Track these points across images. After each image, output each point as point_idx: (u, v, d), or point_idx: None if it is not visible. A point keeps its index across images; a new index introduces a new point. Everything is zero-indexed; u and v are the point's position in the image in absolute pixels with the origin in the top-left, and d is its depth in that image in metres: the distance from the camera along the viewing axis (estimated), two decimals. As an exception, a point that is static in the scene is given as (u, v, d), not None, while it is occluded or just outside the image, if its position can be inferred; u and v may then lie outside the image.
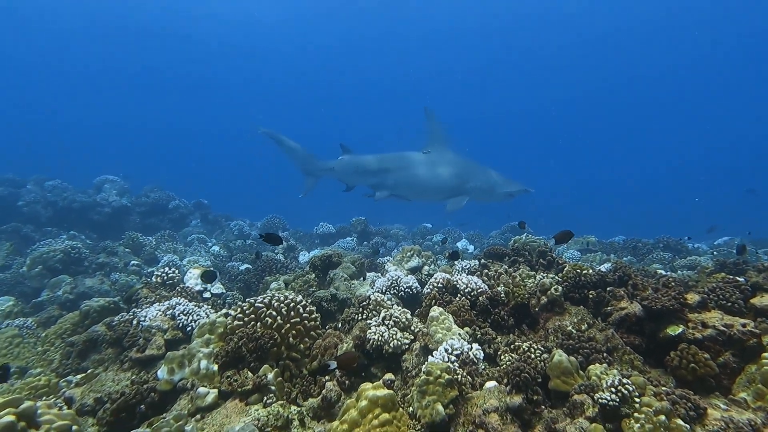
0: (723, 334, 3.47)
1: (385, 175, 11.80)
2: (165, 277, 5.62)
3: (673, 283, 3.93)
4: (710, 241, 14.26)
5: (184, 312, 4.24)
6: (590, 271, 4.50)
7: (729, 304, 3.70)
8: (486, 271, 5.57)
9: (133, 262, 8.53)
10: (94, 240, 11.23)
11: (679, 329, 3.56)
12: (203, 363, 3.44)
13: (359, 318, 4.30)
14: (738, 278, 4.08)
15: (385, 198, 11.99)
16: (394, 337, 3.96)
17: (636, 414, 2.73)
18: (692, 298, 3.82)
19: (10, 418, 2.18)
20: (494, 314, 4.39)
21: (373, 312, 4.34)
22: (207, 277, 5.64)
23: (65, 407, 3.49)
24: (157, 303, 4.57)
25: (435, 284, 4.74)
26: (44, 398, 3.67)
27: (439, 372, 3.02)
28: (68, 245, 8.31)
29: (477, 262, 6.23)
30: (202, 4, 51.48)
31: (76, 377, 4.23)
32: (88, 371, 4.30)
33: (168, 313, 4.25)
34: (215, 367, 3.42)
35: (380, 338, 3.90)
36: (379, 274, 6.29)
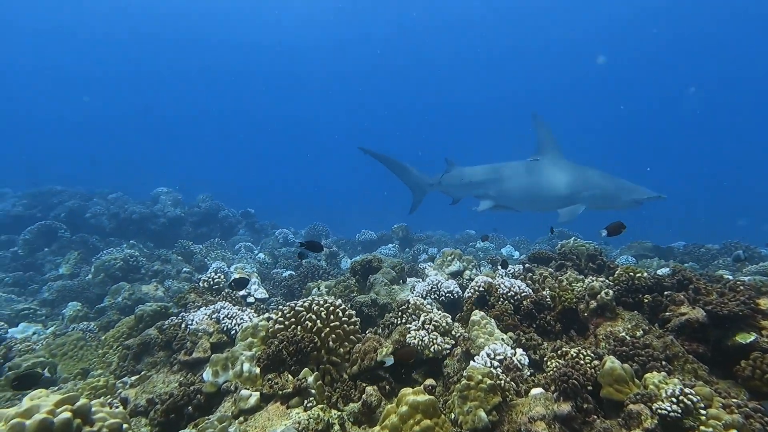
0: (804, 342, 3.11)
1: (491, 186, 11.68)
2: (212, 282, 5.88)
3: (741, 288, 3.58)
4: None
5: (228, 316, 4.38)
6: (644, 274, 4.21)
7: (810, 309, 3.32)
8: (530, 275, 5.35)
9: (184, 269, 8.99)
10: (151, 249, 11.97)
11: (752, 337, 3.23)
12: (246, 366, 3.53)
13: (399, 322, 4.25)
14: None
15: (490, 209, 11.80)
16: (434, 341, 3.89)
17: (702, 427, 2.50)
18: (765, 303, 3.46)
19: (68, 414, 2.32)
20: (539, 319, 4.20)
21: (413, 316, 4.28)
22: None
23: (120, 407, 3.69)
24: (204, 307, 4.76)
25: (477, 288, 4.60)
26: (101, 398, 3.91)
27: (480, 377, 2.91)
28: (127, 254, 8.90)
29: (521, 266, 6.01)
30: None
31: (131, 378, 4.48)
32: (142, 373, 4.54)
33: (213, 316, 4.41)
34: (257, 370, 3.49)
35: (420, 342, 3.84)
36: (420, 279, 6.23)
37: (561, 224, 11.69)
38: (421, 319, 4.10)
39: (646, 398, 2.80)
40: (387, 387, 3.63)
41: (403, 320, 4.25)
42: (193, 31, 54.01)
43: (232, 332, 4.26)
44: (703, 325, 3.51)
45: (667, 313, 3.83)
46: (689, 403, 2.59)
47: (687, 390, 2.65)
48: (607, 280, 4.31)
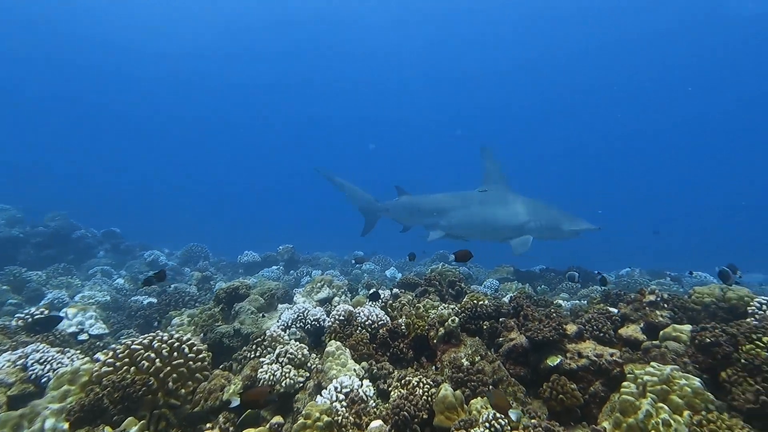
0: (594, 364, 3.72)
1: (441, 215, 11.78)
2: (28, 320, 4.94)
3: (554, 314, 4.18)
4: (617, 270, 15.51)
5: (41, 360, 3.72)
6: (486, 301, 4.68)
7: (601, 334, 4.00)
8: (391, 302, 5.59)
9: (10, 300, 7.50)
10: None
11: (558, 360, 3.76)
12: (49, 422, 3.01)
13: (252, 356, 4.08)
14: (610, 309, 4.43)
15: (440, 238, 11.85)
16: (287, 375, 3.80)
17: (505, 448, 2.81)
18: (571, 328, 4.09)
19: None
20: (393, 347, 4.38)
21: (269, 348, 4.15)
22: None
23: None
24: (10, 351, 4.00)
25: (337, 317, 4.66)
26: None
27: (318, 414, 2.91)
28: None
29: (389, 292, 6.25)
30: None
31: None
32: None
33: (19, 362, 3.71)
34: (65, 426, 3.01)
35: (272, 377, 3.72)
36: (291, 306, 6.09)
37: (515, 256, 11.49)
38: (277, 351, 4.00)
39: (468, 424, 3.06)
40: (231, 429, 3.44)
41: (257, 353, 4.09)
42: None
43: (44, 380, 3.63)
44: (526, 349, 4.00)
45: (500, 339, 4.30)
46: (498, 426, 2.91)
47: (499, 414, 2.97)
48: (455, 308, 4.69)
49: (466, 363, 4.09)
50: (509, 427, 2.96)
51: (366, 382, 3.60)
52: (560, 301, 6.74)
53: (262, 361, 3.88)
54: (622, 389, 3.26)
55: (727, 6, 37.03)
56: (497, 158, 12.05)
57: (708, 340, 3.35)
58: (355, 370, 3.87)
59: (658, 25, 40.56)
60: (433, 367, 4.26)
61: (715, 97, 49.99)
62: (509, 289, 10.53)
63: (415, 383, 3.59)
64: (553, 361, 3.77)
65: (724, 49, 42.91)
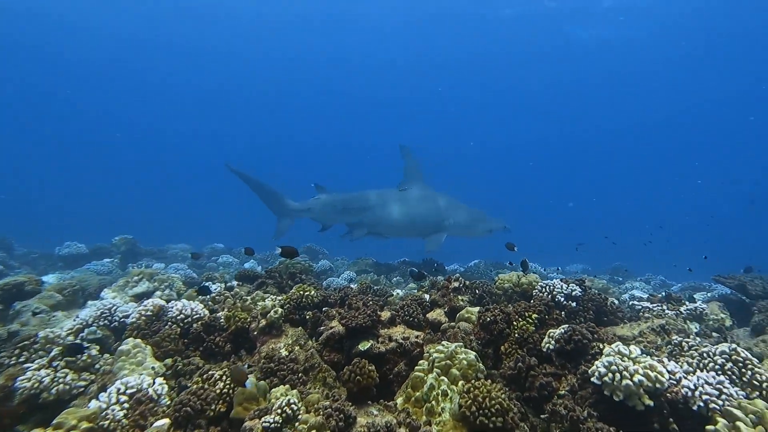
0: (401, 346, 4.00)
1: (363, 213, 11.72)
2: None
3: (371, 302, 4.40)
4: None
5: None
6: (313, 292, 4.69)
7: (412, 319, 4.33)
8: (225, 295, 5.27)
9: None
10: None
11: (368, 344, 3.95)
12: None
13: (11, 362, 3.39)
14: (425, 296, 4.85)
15: (363, 236, 11.79)
16: (60, 380, 3.24)
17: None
18: (385, 315, 4.34)
19: None
20: (208, 341, 4.10)
21: (41, 352, 3.50)
22: None
23: None
24: None
25: (143, 312, 4.17)
26: None
27: (74, 421, 2.52)
28: None
29: (223, 285, 5.89)
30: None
31: None
32: None
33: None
34: None
35: (36, 386, 3.13)
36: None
37: (428, 252, 11.77)
38: (52, 354, 3.39)
39: (263, 412, 2.99)
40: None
41: (21, 359, 3.41)
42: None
43: None
44: (342, 336, 4.11)
45: (321, 327, 4.34)
46: (290, 412, 2.90)
47: (292, 400, 2.96)
48: (280, 299, 4.60)
49: (284, 353, 4.04)
50: (302, 411, 2.98)
51: (159, 380, 3.26)
52: (398, 291, 7.17)
53: (28, 367, 3.24)
54: (416, 367, 3.57)
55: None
56: (416, 157, 12.31)
57: (488, 319, 3.86)
58: (153, 368, 3.50)
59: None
60: (253, 359, 4.11)
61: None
62: (364, 281, 10.92)
63: (218, 377, 3.39)
64: (364, 345, 3.94)
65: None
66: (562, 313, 4.65)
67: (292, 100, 61.93)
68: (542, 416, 3.23)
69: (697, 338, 4.10)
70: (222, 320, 4.28)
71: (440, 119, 63.53)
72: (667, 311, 5.35)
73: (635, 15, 37.47)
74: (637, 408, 3.00)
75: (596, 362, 3.22)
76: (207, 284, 5.96)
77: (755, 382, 3.27)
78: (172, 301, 4.42)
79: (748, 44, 36.96)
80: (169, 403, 3.22)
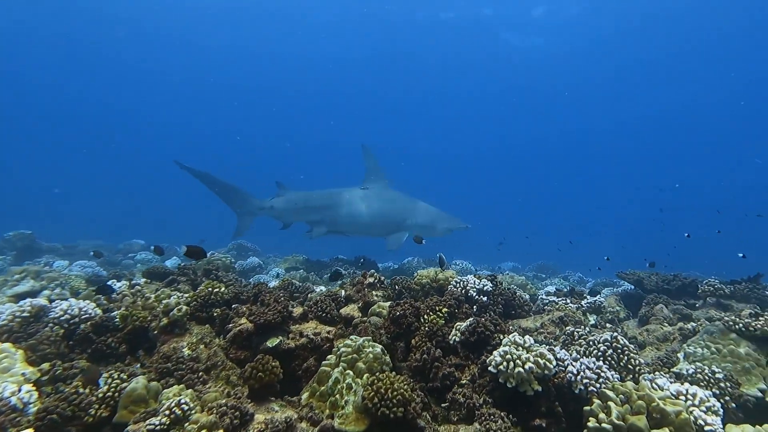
0: (312, 342, 3.94)
1: (324, 212, 11.67)
2: None
3: (282, 298, 4.29)
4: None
5: None
6: (223, 288, 4.48)
7: (325, 314, 4.28)
8: (125, 293, 4.87)
9: None
10: None
11: (277, 341, 3.84)
12: None
13: None
14: (339, 292, 4.83)
15: (323, 235, 11.70)
16: None
17: (180, 434, 2.64)
18: (298, 311, 4.25)
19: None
20: (99, 343, 3.75)
21: None
22: None
23: None
24: None
25: (18, 313, 3.73)
26: None
27: None
28: None
29: (128, 283, 5.45)
30: None
31: None
32: None
33: None
34: None
35: None
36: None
37: (389, 251, 11.95)
38: None
39: (149, 415, 2.78)
40: None
41: None
42: None
43: None
44: (250, 333, 3.96)
45: (230, 325, 4.16)
46: (180, 412, 2.73)
47: (183, 400, 2.79)
48: (186, 296, 4.34)
49: (187, 352, 3.80)
50: (195, 411, 2.81)
51: (27, 387, 2.92)
52: (321, 287, 7.08)
53: None
54: (323, 361, 3.52)
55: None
56: (377, 157, 12.34)
57: (398, 313, 3.91)
58: (24, 374, 3.12)
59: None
60: (152, 360, 3.83)
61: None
62: (293, 278, 10.69)
63: (105, 378, 3.11)
64: (273, 342, 3.83)
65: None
66: (474, 307, 4.86)
67: (246, 96, 60.03)
68: (443, 405, 3.33)
69: (587, 328, 4.45)
70: (117, 319, 3.94)
71: (381, 118, 64.45)
72: (570, 304, 5.79)
73: (563, 27, 40.39)
74: (528, 393, 3.19)
75: (495, 352, 3.37)
76: (111, 282, 5.47)
77: (630, 366, 3.63)
78: (57, 301, 3.98)
79: (671, 59, 40.97)
80: (33, 411, 2.89)
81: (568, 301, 5.83)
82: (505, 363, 3.25)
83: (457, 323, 3.97)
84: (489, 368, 3.33)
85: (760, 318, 3.81)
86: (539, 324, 4.69)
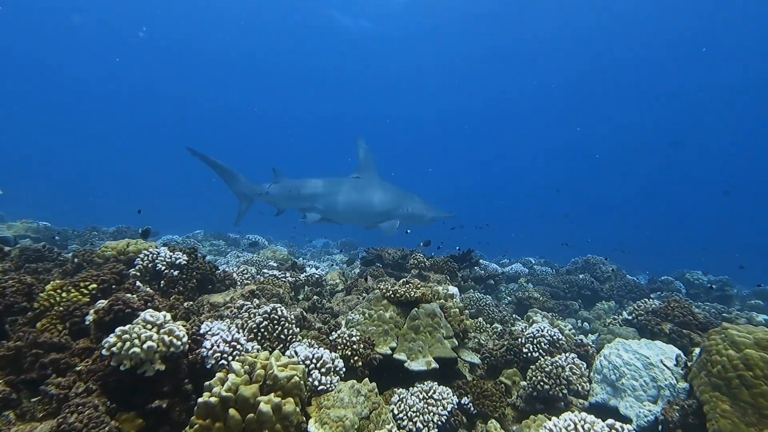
0: None
1: (318, 199, 12.25)
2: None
3: None
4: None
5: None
6: None
7: None
8: None
9: None
10: None
11: None
12: None
13: None
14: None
15: (316, 222, 12.36)
16: None
17: None
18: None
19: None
20: None
21: None
22: None
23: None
24: None
25: None
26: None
27: None
28: None
29: None
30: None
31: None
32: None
33: None
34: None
35: None
36: None
37: (385, 238, 12.21)
38: None
39: None
40: None
41: None
42: None
43: None
44: None
45: None
46: None
47: None
48: None
49: None
50: None
51: None
52: None
53: None
54: None
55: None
56: (369, 147, 12.94)
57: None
58: None
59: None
60: None
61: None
62: None
63: None
64: None
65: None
66: (161, 282, 4.40)
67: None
68: (32, 400, 2.77)
69: (270, 304, 4.50)
70: None
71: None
72: (288, 277, 5.90)
73: (393, 15, 43.22)
74: (148, 374, 2.91)
75: (111, 334, 2.97)
76: None
77: (282, 336, 3.75)
78: None
79: (494, 55, 47.68)
80: None
81: (288, 274, 5.94)
82: (120, 343, 2.89)
83: (99, 302, 3.43)
84: (103, 351, 2.92)
85: (405, 285, 4.45)
86: (229, 298, 4.55)
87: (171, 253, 4.56)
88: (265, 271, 6.08)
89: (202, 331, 3.29)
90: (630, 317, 5.62)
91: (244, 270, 6.13)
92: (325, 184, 12.59)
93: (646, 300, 5.81)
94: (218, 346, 3.18)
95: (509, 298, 9.00)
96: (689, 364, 3.75)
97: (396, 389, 3.70)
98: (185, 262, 4.60)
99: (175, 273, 4.49)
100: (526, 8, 39.47)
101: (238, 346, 3.25)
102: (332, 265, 12.09)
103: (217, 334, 3.27)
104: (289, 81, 59.71)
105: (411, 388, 3.67)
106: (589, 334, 6.57)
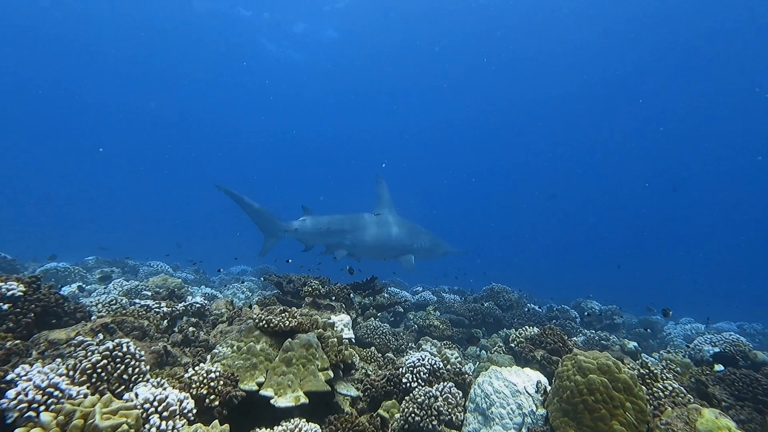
0: None
1: (343, 235, 12.85)
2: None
3: None
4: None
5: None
6: None
7: None
8: None
9: None
10: None
11: None
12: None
13: None
14: None
15: (344, 257, 12.75)
16: None
17: None
18: None
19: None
20: None
21: None
22: None
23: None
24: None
25: None
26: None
27: None
28: None
29: None
30: None
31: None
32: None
33: None
34: None
35: None
36: None
37: (405, 271, 13.26)
38: None
39: None
40: None
41: None
42: None
43: None
44: None
45: None
46: None
47: None
48: None
49: None
50: None
51: None
52: None
53: None
54: None
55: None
56: (387, 185, 13.50)
57: None
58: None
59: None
60: None
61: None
62: None
63: None
64: None
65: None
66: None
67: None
68: None
69: (117, 339, 4.01)
70: None
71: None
72: (164, 307, 5.35)
73: (321, 48, 44.03)
74: None
75: None
76: None
77: (125, 377, 3.31)
78: None
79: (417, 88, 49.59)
80: None
81: (163, 304, 5.39)
82: None
83: None
84: None
85: (281, 314, 4.22)
86: (73, 334, 3.96)
87: (1, 284, 3.90)
88: (137, 301, 5.47)
89: (8, 378, 2.77)
90: (512, 344, 5.87)
91: (112, 300, 5.47)
92: (349, 221, 13.31)
93: (527, 328, 6.12)
94: (26, 395, 2.68)
95: (416, 326, 9.05)
96: (547, 389, 3.93)
97: (259, 430, 3.41)
98: (20, 294, 3.95)
99: (5, 307, 3.83)
100: (455, 40, 42.34)
101: (56, 393, 2.77)
102: (235, 293, 11.36)
103: (31, 380, 2.77)
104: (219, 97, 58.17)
105: (276, 427, 3.40)
106: (470, 363, 6.76)
